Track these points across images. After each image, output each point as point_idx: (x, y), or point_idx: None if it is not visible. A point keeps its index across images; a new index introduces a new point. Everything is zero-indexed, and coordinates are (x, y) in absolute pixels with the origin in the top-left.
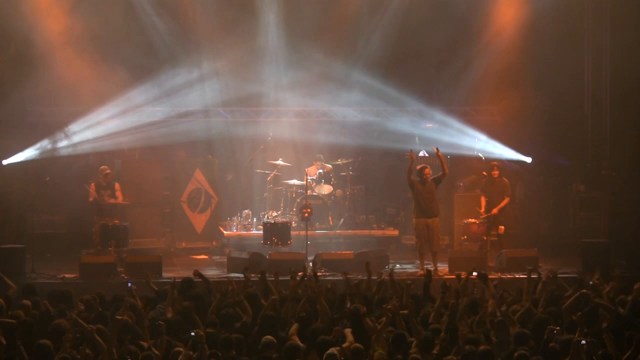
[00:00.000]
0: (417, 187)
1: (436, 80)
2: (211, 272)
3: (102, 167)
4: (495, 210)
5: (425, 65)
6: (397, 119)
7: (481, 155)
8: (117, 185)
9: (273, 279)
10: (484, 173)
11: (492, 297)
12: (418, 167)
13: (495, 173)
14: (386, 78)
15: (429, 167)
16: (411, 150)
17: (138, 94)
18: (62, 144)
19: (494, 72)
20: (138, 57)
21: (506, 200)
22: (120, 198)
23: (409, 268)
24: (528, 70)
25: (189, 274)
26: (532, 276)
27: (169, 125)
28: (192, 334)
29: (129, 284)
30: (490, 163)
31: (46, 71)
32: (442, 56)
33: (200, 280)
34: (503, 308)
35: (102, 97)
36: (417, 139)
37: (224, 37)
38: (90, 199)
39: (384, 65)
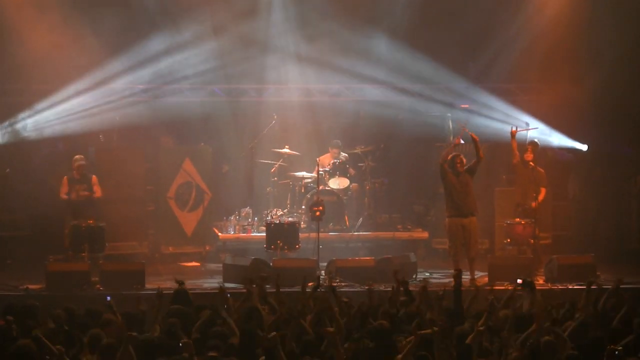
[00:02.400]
0: (449, 178)
1: (474, 52)
2: (202, 282)
3: (76, 156)
4: (534, 204)
5: (460, 35)
6: (427, 98)
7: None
8: (94, 179)
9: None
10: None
11: (540, 311)
12: (450, 155)
13: (529, 156)
14: (414, 50)
15: (462, 155)
16: (457, 137)
17: (114, 69)
18: (26, 127)
19: (543, 44)
20: (115, 24)
21: (543, 192)
22: (98, 192)
23: (441, 277)
24: (584, 42)
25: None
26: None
27: (152, 107)
28: (180, 344)
29: (108, 298)
30: (525, 145)
31: (6, 42)
32: (482, 24)
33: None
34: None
35: (72, 73)
36: (450, 122)
37: None
38: (63, 195)
39: (411, 34)
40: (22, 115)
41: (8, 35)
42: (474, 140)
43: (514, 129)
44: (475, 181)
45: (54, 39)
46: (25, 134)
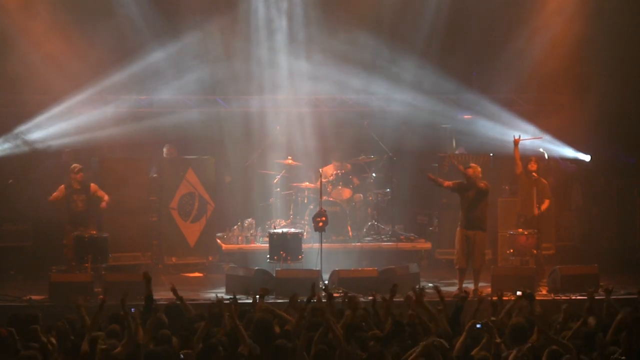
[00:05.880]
0: (462, 192)
1: (477, 63)
2: (204, 293)
3: (74, 165)
4: (536, 211)
5: (465, 46)
6: (430, 109)
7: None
8: (93, 187)
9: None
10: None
11: (539, 322)
12: (460, 166)
13: (533, 167)
14: (417, 61)
15: (473, 166)
16: (446, 163)
17: (117, 79)
18: (28, 139)
19: (546, 55)
20: (116, 35)
21: (547, 204)
22: (106, 197)
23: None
24: (587, 53)
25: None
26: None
27: (155, 117)
28: (182, 355)
29: (132, 310)
30: (528, 157)
31: (5, 52)
32: (486, 36)
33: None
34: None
35: (74, 83)
36: (454, 140)
37: (221, 6)
38: (52, 197)
39: (415, 45)
40: (24, 126)
41: (3, 45)
42: (463, 173)
43: (517, 137)
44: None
45: (53, 50)
46: (34, 145)
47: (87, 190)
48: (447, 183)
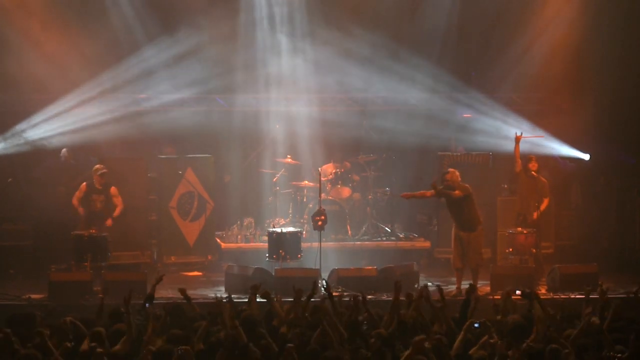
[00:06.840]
0: (444, 195)
1: (477, 63)
2: (204, 292)
3: (98, 165)
4: (535, 215)
5: (464, 45)
6: (430, 107)
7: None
8: (113, 190)
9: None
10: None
11: (540, 321)
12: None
13: (534, 166)
14: (416, 59)
15: (451, 171)
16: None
17: (115, 78)
18: (26, 138)
19: (546, 55)
20: (114, 33)
21: (546, 203)
22: (120, 205)
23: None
24: (588, 52)
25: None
26: (592, 296)
27: (154, 116)
28: (180, 351)
29: (147, 305)
30: (527, 156)
31: (3, 52)
32: (486, 35)
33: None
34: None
35: (72, 82)
36: (454, 139)
37: (219, 3)
38: (75, 199)
39: (414, 44)
40: (23, 125)
41: (1, 44)
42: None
43: (518, 134)
44: (477, 190)
45: (51, 49)
46: (33, 144)
47: (107, 192)
48: (428, 193)
